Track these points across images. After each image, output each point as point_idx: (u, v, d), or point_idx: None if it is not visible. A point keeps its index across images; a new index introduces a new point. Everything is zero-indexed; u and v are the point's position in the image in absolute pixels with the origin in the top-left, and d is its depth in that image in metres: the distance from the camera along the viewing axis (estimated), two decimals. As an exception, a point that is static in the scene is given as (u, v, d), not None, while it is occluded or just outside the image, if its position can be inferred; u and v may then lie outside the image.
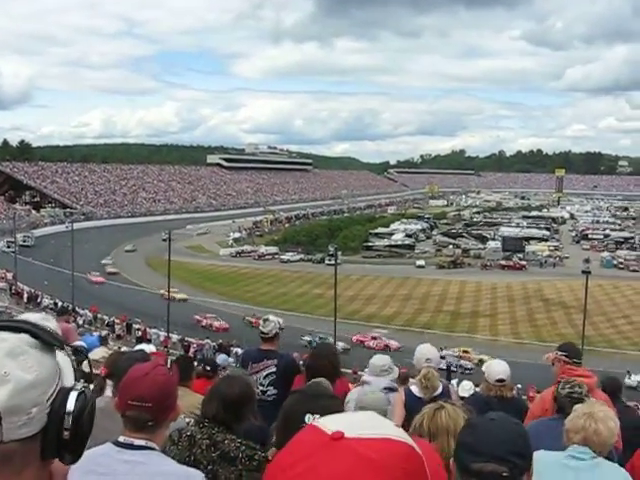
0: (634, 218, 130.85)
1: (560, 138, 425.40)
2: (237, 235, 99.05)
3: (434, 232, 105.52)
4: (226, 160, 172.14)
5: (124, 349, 11.00)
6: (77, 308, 46.47)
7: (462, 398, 5.79)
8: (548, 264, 79.15)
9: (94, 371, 4.48)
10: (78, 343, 6.76)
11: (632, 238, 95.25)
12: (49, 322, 3.35)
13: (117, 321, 46.56)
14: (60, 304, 40.61)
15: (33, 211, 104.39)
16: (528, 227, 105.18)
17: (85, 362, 1.56)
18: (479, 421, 1.67)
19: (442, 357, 39.92)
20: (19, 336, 1.13)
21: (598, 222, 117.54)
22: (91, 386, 4.20)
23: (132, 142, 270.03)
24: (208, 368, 6.43)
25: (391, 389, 5.08)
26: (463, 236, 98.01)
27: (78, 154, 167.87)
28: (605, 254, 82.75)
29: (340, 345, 43.34)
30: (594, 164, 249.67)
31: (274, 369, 5.49)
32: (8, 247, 70.45)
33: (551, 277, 71.06)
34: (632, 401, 18.38)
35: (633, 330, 53.00)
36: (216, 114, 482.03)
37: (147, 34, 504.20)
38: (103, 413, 2.95)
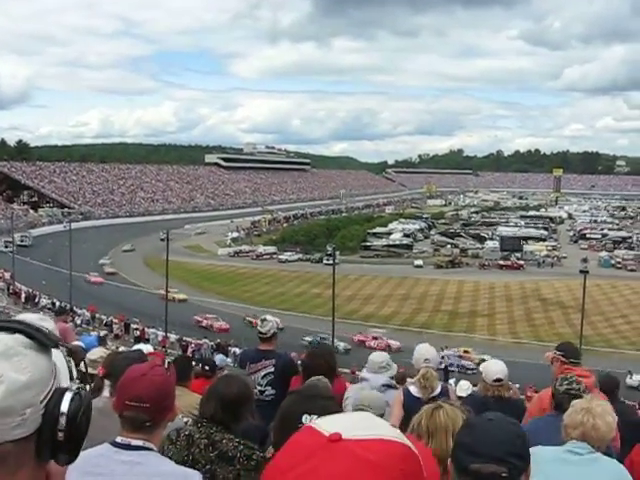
0: (632, 218, 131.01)
1: (558, 138, 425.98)
2: (235, 235, 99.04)
3: (432, 232, 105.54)
4: (224, 160, 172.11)
5: (122, 349, 11.00)
6: (75, 308, 46.45)
7: (460, 398, 5.78)
8: (546, 264, 79.18)
9: (92, 371, 4.49)
10: (76, 343, 6.76)
11: (630, 238, 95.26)
12: (46, 322, 3.35)
13: (115, 321, 46.53)
14: (58, 304, 40.63)
15: (31, 211, 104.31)
16: (526, 227, 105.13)
17: (78, 363, 1.57)
18: (477, 422, 1.67)
19: (444, 357, 40.11)
20: (13, 337, 1.12)
21: (596, 222, 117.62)
22: (88, 386, 4.20)
23: (130, 142, 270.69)
24: (207, 368, 6.44)
25: (389, 386, 5.09)
26: (461, 236, 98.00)
27: (76, 154, 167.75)
28: (603, 254, 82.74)
29: (342, 345, 43.40)
30: (592, 164, 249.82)
31: (272, 369, 5.49)
32: (6, 247, 70.43)
33: (549, 277, 71.09)
34: (634, 401, 18.35)
35: (631, 329, 53.06)
36: (214, 114, 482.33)
37: (145, 34, 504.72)
38: (101, 413, 2.95)
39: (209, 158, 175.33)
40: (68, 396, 1.15)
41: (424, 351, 5.04)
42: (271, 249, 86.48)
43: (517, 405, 4.91)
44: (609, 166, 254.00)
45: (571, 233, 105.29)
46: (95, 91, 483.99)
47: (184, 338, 43.56)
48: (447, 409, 2.66)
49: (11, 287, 55.27)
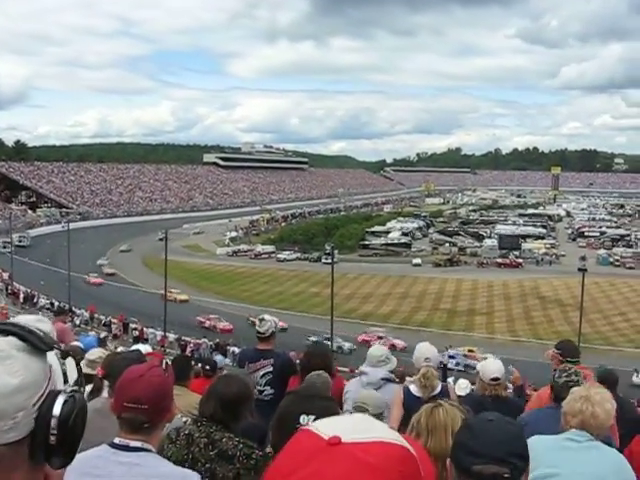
0: (630, 215, 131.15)
1: (556, 136, 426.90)
2: (234, 234, 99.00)
3: (430, 230, 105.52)
4: (222, 159, 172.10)
5: (120, 349, 10.98)
6: (74, 308, 46.41)
7: (459, 397, 5.80)
8: (544, 262, 79.20)
9: (91, 372, 4.49)
10: (75, 344, 6.75)
11: (628, 235, 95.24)
12: (43, 324, 3.34)
13: (114, 321, 46.48)
14: (57, 304, 40.64)
15: (29, 211, 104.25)
16: (524, 225, 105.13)
17: (77, 364, 1.56)
18: (477, 422, 1.67)
19: (451, 357, 40.17)
20: (7, 339, 1.12)
21: (594, 220, 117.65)
22: (85, 388, 4.20)
23: (128, 141, 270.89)
24: (208, 367, 6.45)
25: (389, 379, 5.09)
26: (459, 234, 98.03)
27: (74, 154, 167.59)
28: (601, 252, 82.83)
29: (346, 345, 43.36)
30: (590, 162, 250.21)
31: (271, 369, 5.49)
32: (4, 247, 70.37)
33: (547, 275, 71.10)
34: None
35: (629, 327, 53.10)
36: (212, 113, 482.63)
37: (143, 34, 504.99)
38: (100, 414, 2.95)
39: (207, 157, 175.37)
40: (61, 399, 1.14)
41: (424, 350, 5.05)
42: (269, 248, 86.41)
43: (514, 405, 4.91)
44: (607, 164, 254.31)
45: (569, 231, 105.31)
46: (93, 91, 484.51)
47: (183, 338, 43.49)
48: (446, 407, 2.68)
49: (9, 287, 55.23)
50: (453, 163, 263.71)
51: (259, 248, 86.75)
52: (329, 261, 51.72)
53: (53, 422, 1.12)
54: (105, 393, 3.83)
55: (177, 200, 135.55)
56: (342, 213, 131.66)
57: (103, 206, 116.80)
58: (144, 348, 5.23)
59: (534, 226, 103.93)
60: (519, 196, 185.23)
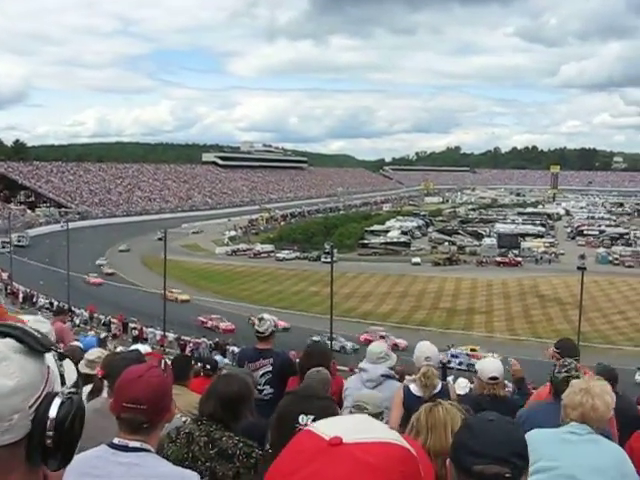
0: (629, 214, 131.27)
1: (555, 134, 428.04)
2: (233, 233, 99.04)
3: (430, 229, 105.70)
4: (221, 158, 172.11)
5: (120, 349, 10.98)
6: (73, 308, 46.39)
7: (458, 396, 5.80)
8: (543, 260, 79.26)
9: (90, 371, 4.49)
10: (75, 344, 6.75)
11: (627, 234, 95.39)
12: (42, 325, 3.34)
13: (114, 321, 46.45)
14: (56, 304, 40.63)
15: (28, 211, 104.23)
16: (523, 223, 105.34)
17: (76, 365, 1.55)
18: (478, 422, 1.67)
19: (454, 356, 40.19)
20: (4, 341, 1.12)
21: (593, 218, 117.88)
22: (83, 389, 4.19)
23: (127, 141, 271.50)
24: (208, 367, 6.46)
25: (388, 376, 5.09)
26: (459, 233, 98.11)
27: (73, 153, 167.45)
28: (600, 250, 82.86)
29: (349, 345, 43.34)
30: (589, 160, 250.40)
31: (270, 368, 5.49)
32: (3, 247, 70.36)
33: (547, 273, 71.14)
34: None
35: (629, 326, 53.13)
36: (211, 112, 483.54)
37: (142, 33, 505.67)
38: (100, 414, 2.95)
39: (206, 157, 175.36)
40: (57, 401, 1.13)
41: (425, 349, 5.05)
42: (269, 247, 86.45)
43: (512, 404, 4.92)
44: (606, 162, 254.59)
45: (568, 230, 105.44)
46: (92, 90, 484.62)
47: (182, 337, 43.44)
48: (446, 406, 2.69)
49: (9, 287, 55.24)
50: (452, 162, 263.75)
51: (258, 247, 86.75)
52: (328, 260, 51.71)
53: (49, 424, 1.11)
54: (105, 393, 3.83)
55: (176, 199, 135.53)
56: (341, 212, 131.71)
57: (102, 206, 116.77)
58: (143, 348, 5.23)
59: (533, 225, 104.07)
60: (518, 195, 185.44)
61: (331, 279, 44.68)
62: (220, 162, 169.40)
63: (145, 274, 67.49)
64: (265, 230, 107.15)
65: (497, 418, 1.66)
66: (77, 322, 43.46)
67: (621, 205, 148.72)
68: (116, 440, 2.32)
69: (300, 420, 2.64)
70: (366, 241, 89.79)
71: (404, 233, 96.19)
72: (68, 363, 1.24)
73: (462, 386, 8.04)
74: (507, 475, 1.54)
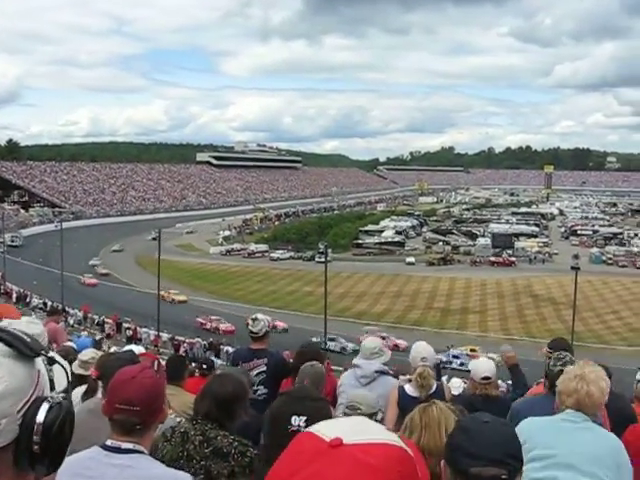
0: (623, 214, 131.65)
1: (549, 134, 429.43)
2: (227, 233, 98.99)
3: (424, 229, 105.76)
4: (215, 158, 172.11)
5: (114, 349, 10.96)
6: (67, 308, 46.27)
7: (452, 396, 5.80)
8: (537, 260, 79.46)
9: (84, 372, 4.47)
10: (68, 344, 6.73)
11: (621, 234, 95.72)
12: (34, 327, 3.33)
13: (108, 321, 46.33)
14: (50, 304, 40.50)
15: (22, 210, 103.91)
16: (517, 223, 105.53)
17: (68, 367, 1.54)
18: (473, 424, 1.66)
19: (455, 356, 40.21)
20: None
21: (587, 218, 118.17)
22: (79, 389, 4.18)
23: (121, 141, 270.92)
24: (204, 366, 6.46)
25: (382, 372, 5.08)
26: (453, 233, 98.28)
27: (66, 153, 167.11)
28: (594, 250, 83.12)
29: (350, 346, 43.31)
30: (583, 160, 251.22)
31: (264, 368, 5.48)
32: (-4, 247, 70.10)
33: (540, 273, 71.32)
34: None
35: (622, 325, 53.29)
36: (205, 112, 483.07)
37: (136, 32, 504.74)
38: (94, 414, 2.95)
39: (200, 157, 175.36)
40: (45, 406, 1.12)
41: (421, 349, 5.04)
42: (263, 247, 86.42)
43: (504, 404, 4.93)
44: (600, 162, 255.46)
45: (562, 229, 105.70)
46: (85, 90, 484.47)
47: (176, 337, 43.33)
48: (440, 405, 2.70)
49: (2, 287, 55.06)
50: (446, 162, 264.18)
51: (252, 247, 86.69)
52: (322, 260, 51.69)
53: (36, 429, 1.10)
54: (99, 394, 3.82)
55: (170, 199, 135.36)
56: (335, 212, 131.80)
57: (96, 205, 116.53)
58: (137, 348, 5.22)
59: (527, 224, 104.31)
60: (512, 195, 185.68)
61: (325, 279, 44.69)
62: (214, 162, 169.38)
63: (139, 274, 67.35)
64: (259, 230, 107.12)
65: (492, 420, 1.66)
66: (71, 322, 43.36)
67: (615, 205, 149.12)
68: (109, 442, 2.31)
69: (292, 421, 2.65)
70: (360, 241, 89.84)
71: (398, 233, 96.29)
72: (58, 368, 1.24)
73: (456, 386, 8.03)
74: (504, 477, 1.54)
